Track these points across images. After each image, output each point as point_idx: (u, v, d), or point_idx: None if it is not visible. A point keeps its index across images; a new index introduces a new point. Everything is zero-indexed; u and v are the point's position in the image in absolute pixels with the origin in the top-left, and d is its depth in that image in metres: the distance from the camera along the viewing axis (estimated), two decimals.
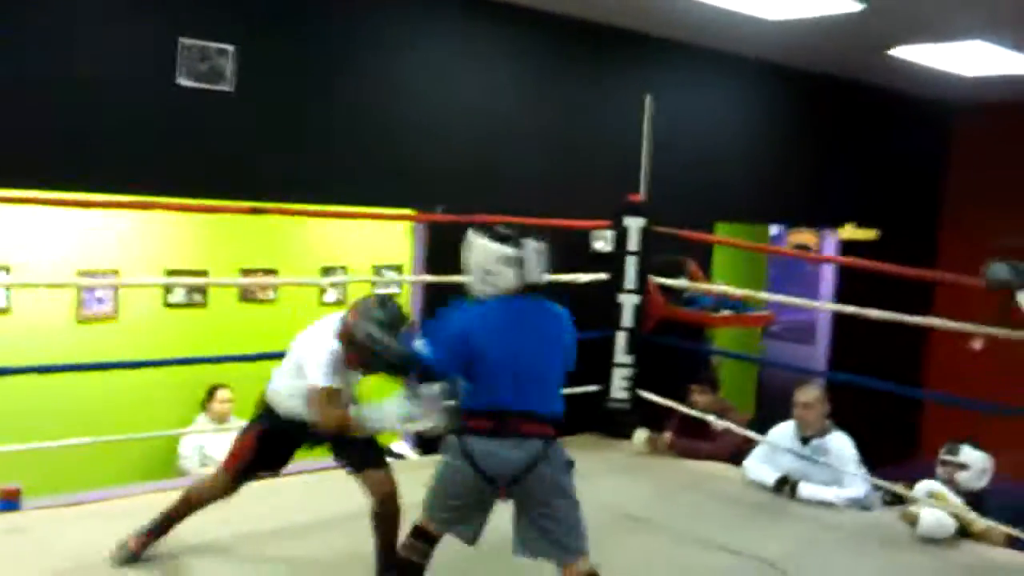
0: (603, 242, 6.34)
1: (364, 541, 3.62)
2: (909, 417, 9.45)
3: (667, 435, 5.71)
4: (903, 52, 6.93)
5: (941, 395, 9.03)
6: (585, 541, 3.09)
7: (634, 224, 5.93)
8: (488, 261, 3.20)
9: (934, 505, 4.39)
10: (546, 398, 3.16)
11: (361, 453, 3.67)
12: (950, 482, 4.61)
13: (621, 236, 5.95)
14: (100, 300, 6.08)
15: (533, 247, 3.20)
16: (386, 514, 3.57)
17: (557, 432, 3.12)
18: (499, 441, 3.05)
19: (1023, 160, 8.99)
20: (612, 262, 6.00)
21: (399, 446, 5.89)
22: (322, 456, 3.91)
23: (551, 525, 3.06)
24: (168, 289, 6.32)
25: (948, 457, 4.71)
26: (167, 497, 4.32)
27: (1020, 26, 6.05)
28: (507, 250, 3.18)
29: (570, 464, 3.14)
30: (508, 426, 3.05)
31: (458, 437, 3.15)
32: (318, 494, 4.65)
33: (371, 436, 3.69)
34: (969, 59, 6.98)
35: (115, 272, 6.01)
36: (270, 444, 3.72)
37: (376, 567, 3.59)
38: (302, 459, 3.97)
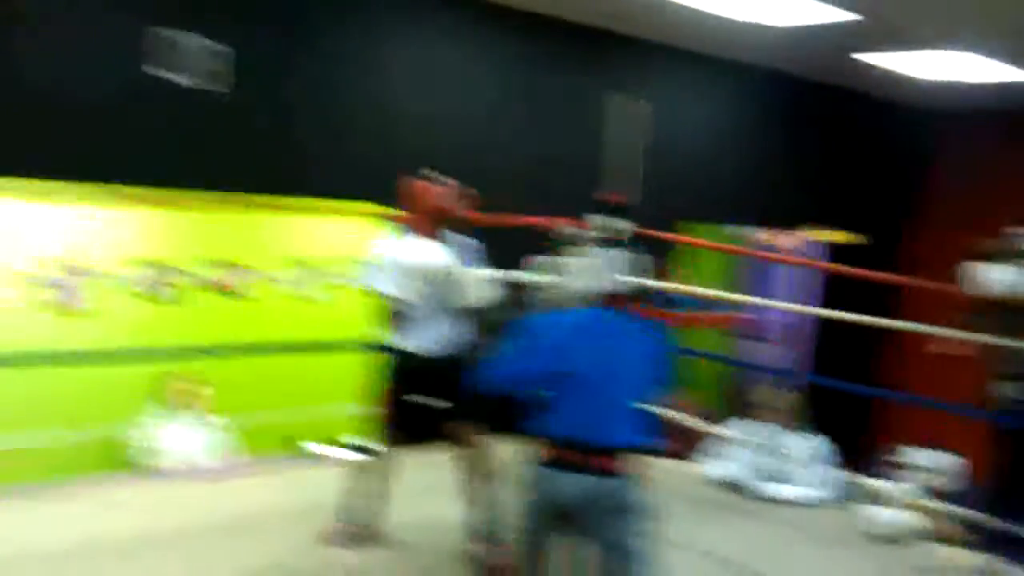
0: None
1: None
2: (873, 417, 9.50)
3: None
4: (885, 59, 6.97)
5: (901, 395, 9.11)
6: None
7: (615, 224, 5.94)
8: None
9: (897, 505, 4.42)
10: (625, 428, 2.86)
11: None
12: (912, 483, 4.65)
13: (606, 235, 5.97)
14: (66, 291, 6.03)
15: (599, 255, 3.01)
16: None
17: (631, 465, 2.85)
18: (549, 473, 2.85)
19: (1002, 166, 9.07)
20: None
21: (364, 441, 5.87)
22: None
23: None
24: (136, 280, 6.27)
25: (910, 459, 4.76)
26: (131, 491, 4.33)
27: (997, 35, 6.11)
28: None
29: (639, 507, 2.83)
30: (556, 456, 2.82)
31: None
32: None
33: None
34: (949, 67, 7.03)
35: (84, 264, 5.96)
36: None
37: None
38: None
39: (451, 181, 3.76)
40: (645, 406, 2.89)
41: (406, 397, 3.73)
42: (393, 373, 3.82)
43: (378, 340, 3.82)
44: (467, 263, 3.73)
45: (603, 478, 2.75)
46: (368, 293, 3.77)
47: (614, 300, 2.91)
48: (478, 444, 3.65)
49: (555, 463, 2.78)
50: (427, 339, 3.63)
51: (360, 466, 3.99)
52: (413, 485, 4.53)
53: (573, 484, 2.75)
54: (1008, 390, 3.83)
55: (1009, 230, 3.78)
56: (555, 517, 2.84)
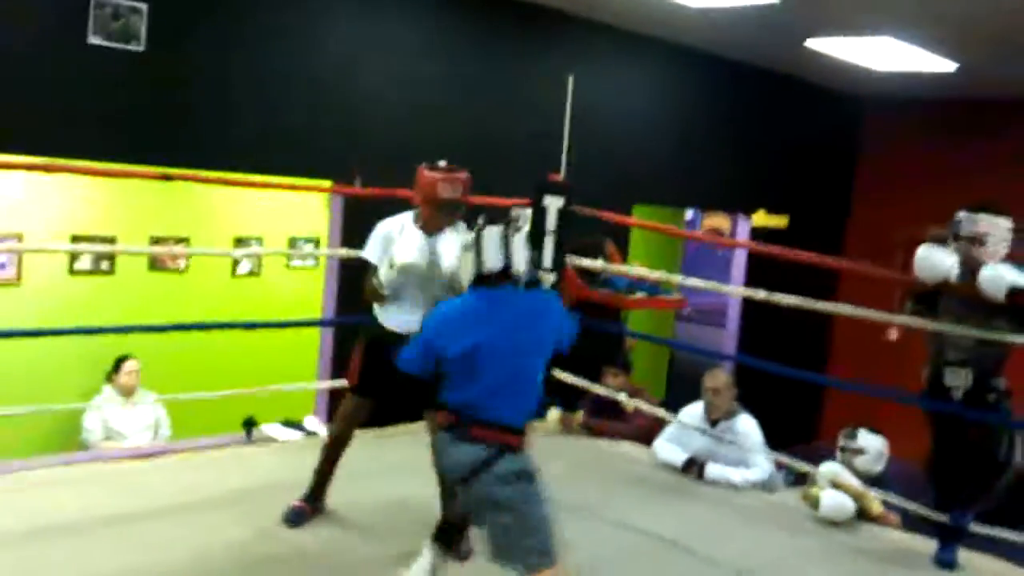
0: (523, 220, 6.33)
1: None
2: (812, 401, 9.72)
3: (579, 414, 5.77)
4: (818, 44, 7.08)
5: (840, 381, 9.33)
6: (543, 557, 2.85)
7: (553, 203, 5.94)
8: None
9: (834, 487, 4.52)
10: (514, 404, 2.98)
11: None
12: (849, 466, 4.75)
13: (539, 215, 5.96)
14: (2, 265, 5.87)
15: (492, 233, 3.02)
16: None
17: (522, 439, 2.97)
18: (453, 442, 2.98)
19: (929, 153, 9.29)
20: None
21: (311, 421, 5.83)
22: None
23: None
24: (74, 255, 6.14)
25: (846, 442, 4.85)
26: (70, 471, 4.23)
27: (926, 24, 6.23)
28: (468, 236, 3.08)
29: (521, 476, 2.92)
30: (458, 428, 2.96)
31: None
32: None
33: None
34: (880, 54, 7.17)
35: (18, 236, 5.81)
36: None
37: None
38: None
39: (462, 172, 3.73)
40: (539, 376, 3.02)
41: (373, 373, 3.80)
42: (365, 346, 3.88)
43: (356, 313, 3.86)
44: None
45: (493, 449, 2.89)
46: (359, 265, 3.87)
47: (507, 278, 2.99)
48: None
49: (453, 431, 2.93)
50: (401, 320, 3.70)
51: (322, 443, 4.04)
52: (377, 463, 4.54)
53: (467, 453, 2.90)
54: (951, 378, 3.91)
55: (959, 213, 3.84)
56: (453, 483, 3.02)
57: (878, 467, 4.81)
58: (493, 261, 2.98)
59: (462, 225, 3.73)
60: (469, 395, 2.93)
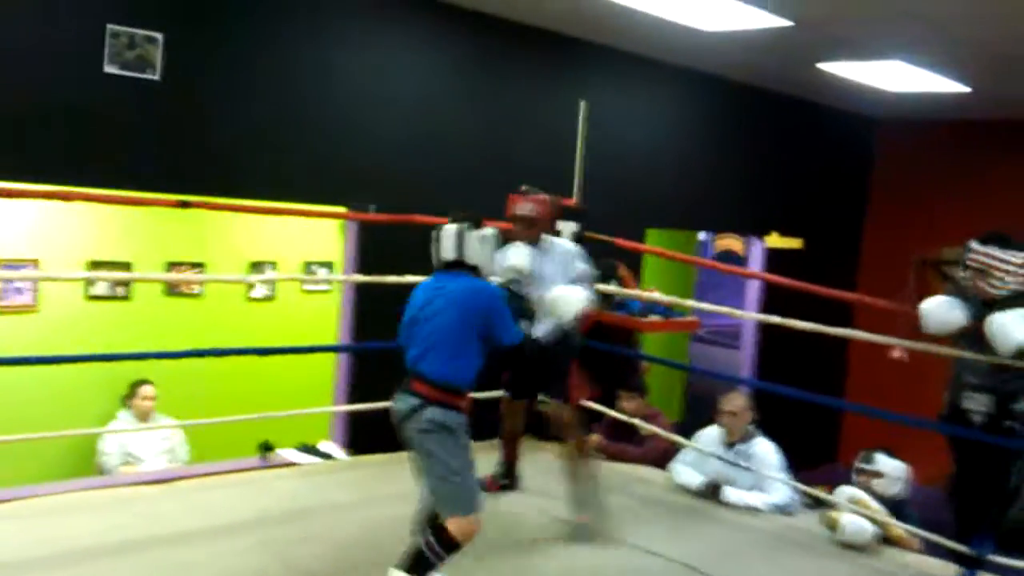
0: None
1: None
2: (829, 424, 9.67)
3: (596, 437, 5.75)
4: (830, 67, 7.09)
5: (857, 406, 9.27)
6: (458, 504, 3.27)
7: (567, 228, 5.94)
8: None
9: (854, 510, 4.49)
10: (434, 362, 3.37)
11: None
12: (867, 489, 4.72)
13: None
14: (19, 291, 5.90)
15: (448, 230, 3.52)
16: None
17: (445, 395, 3.34)
18: (399, 393, 3.43)
19: (942, 174, 9.28)
20: None
21: (327, 446, 5.84)
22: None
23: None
24: (90, 281, 6.17)
25: (863, 465, 4.82)
26: (87, 496, 4.24)
27: (937, 48, 6.24)
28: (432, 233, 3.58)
29: (440, 427, 3.31)
30: (405, 382, 3.42)
31: None
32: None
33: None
34: (891, 76, 7.18)
35: (35, 262, 5.85)
36: None
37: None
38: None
39: (543, 195, 4.43)
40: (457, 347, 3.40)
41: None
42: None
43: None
44: (553, 268, 4.31)
45: (417, 399, 3.34)
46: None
47: (458, 266, 3.52)
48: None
49: (401, 386, 3.43)
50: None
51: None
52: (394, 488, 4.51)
53: (402, 402, 3.38)
54: (969, 402, 3.89)
55: (970, 243, 3.81)
56: (397, 427, 3.44)
57: (894, 489, 4.77)
58: (447, 252, 3.51)
59: (553, 240, 4.47)
60: (410, 356, 3.45)
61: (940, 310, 3.80)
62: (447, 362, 3.35)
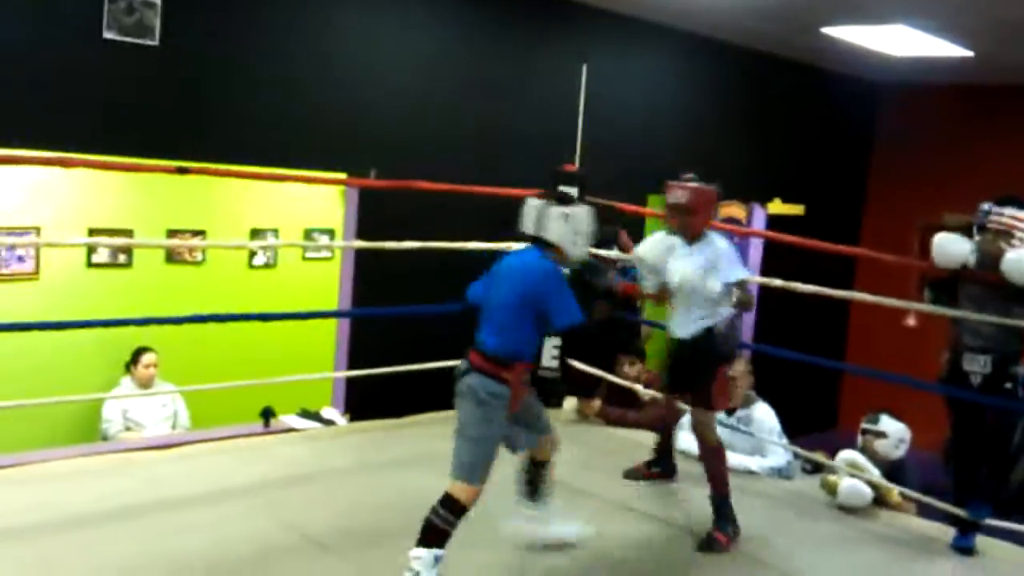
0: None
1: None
2: (829, 389, 9.69)
3: (596, 402, 5.77)
4: (833, 32, 7.04)
5: (857, 367, 9.29)
6: (463, 470, 3.30)
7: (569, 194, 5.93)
8: None
9: (852, 474, 4.51)
10: (485, 332, 3.43)
11: None
12: (868, 450, 4.74)
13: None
14: (20, 258, 5.92)
15: (530, 204, 3.49)
16: None
17: (489, 365, 3.36)
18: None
19: (944, 139, 9.23)
20: None
21: (328, 411, 5.86)
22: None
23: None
24: (92, 248, 6.18)
25: (868, 426, 4.85)
26: (89, 462, 4.26)
27: (939, 11, 6.19)
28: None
29: (473, 395, 3.34)
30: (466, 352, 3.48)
31: None
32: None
33: None
34: (894, 40, 7.12)
35: (36, 230, 5.86)
36: None
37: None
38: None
39: (698, 184, 4.15)
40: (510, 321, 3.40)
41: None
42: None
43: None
44: (693, 264, 4.06)
45: (465, 364, 3.42)
46: None
47: (536, 241, 3.49)
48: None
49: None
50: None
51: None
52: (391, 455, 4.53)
53: (461, 364, 3.44)
54: (969, 364, 3.91)
55: (984, 205, 3.86)
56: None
57: (898, 452, 4.80)
58: (527, 226, 3.49)
59: (713, 237, 4.14)
60: (477, 331, 3.48)
61: (951, 240, 3.87)
62: (495, 335, 3.38)
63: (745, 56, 8.18)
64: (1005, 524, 4.00)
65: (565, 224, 3.44)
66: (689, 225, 4.11)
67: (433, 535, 3.23)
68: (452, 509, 3.25)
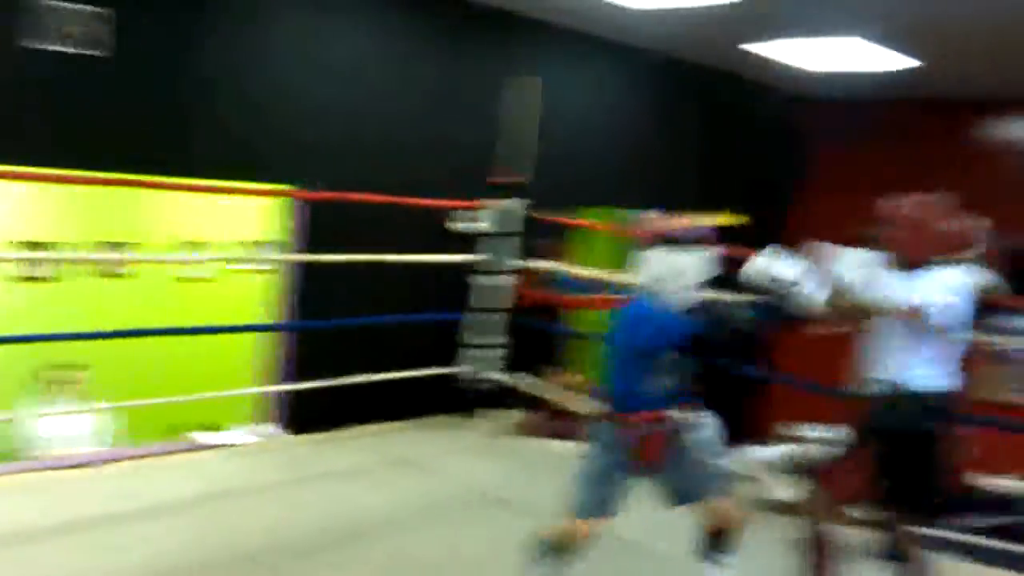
0: (468, 223, 6.31)
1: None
2: (756, 398, 9.82)
3: (533, 415, 5.78)
4: (770, 48, 7.15)
5: (783, 377, 9.41)
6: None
7: (515, 206, 5.99)
8: None
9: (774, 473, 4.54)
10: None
11: None
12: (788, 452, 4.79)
13: (505, 217, 6.03)
14: None
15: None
16: None
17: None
18: None
19: (869, 153, 9.43)
20: (472, 242, 6.05)
21: (260, 427, 5.79)
22: None
23: None
24: (16, 262, 6.04)
25: (796, 433, 4.91)
26: (11, 480, 4.15)
27: (877, 22, 6.32)
28: None
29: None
30: None
31: None
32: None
33: None
34: (828, 54, 7.24)
35: None
36: None
37: None
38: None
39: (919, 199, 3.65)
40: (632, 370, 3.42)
41: None
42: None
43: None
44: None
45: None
46: None
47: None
48: None
49: None
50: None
51: None
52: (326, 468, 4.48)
53: None
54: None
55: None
56: None
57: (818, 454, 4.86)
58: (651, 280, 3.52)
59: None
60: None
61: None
62: (618, 390, 3.48)
63: (682, 69, 8.21)
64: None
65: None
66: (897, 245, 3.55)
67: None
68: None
